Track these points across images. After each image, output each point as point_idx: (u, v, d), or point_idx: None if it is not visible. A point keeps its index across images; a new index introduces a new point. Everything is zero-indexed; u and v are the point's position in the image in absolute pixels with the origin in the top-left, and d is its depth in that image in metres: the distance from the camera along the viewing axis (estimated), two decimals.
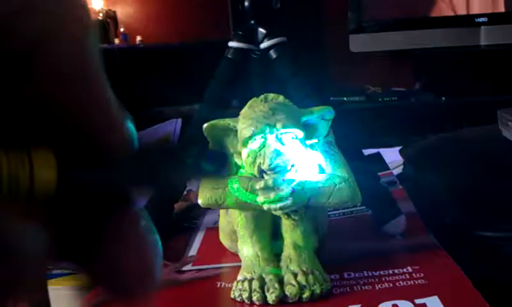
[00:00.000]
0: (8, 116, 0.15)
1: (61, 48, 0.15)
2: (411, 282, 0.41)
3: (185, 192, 0.60)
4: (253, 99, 0.43)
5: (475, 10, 1.67)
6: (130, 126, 0.16)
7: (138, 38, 2.39)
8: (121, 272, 0.16)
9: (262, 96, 0.43)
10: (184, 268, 0.48)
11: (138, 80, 2.00)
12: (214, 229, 0.55)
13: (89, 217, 0.15)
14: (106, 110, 0.16)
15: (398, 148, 0.80)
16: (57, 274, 0.56)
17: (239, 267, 0.44)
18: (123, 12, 2.49)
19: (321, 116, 0.43)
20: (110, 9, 2.50)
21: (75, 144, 0.15)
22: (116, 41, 2.44)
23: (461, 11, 1.68)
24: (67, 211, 0.15)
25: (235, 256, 0.47)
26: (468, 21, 1.66)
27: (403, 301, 0.38)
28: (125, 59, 2.12)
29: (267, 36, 0.51)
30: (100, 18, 2.47)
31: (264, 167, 0.40)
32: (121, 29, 2.46)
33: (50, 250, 0.14)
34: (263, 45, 0.51)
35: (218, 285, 0.44)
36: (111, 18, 2.49)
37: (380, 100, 1.78)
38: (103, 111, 0.16)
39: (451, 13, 1.69)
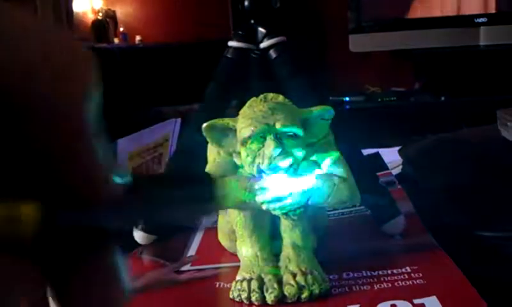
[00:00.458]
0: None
1: (59, 108, 0.16)
2: (410, 282, 0.41)
3: None
4: (252, 99, 0.43)
5: (474, 10, 1.67)
6: (115, 179, 0.18)
7: (138, 38, 2.39)
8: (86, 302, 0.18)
9: (261, 96, 0.43)
10: (183, 269, 0.48)
11: (137, 80, 2.00)
12: (212, 229, 0.55)
13: (65, 257, 0.17)
14: (91, 167, 0.17)
15: (397, 148, 0.80)
16: None
17: (238, 267, 0.44)
18: (122, 12, 2.49)
19: (321, 115, 0.43)
20: (109, 9, 2.51)
21: (58, 192, 0.17)
22: (116, 40, 2.44)
23: (460, 11, 1.68)
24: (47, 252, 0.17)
25: (234, 256, 0.47)
26: (467, 21, 1.65)
27: (402, 301, 0.38)
28: (124, 59, 2.12)
29: (267, 35, 0.51)
30: (99, 17, 2.47)
31: (263, 167, 0.40)
32: (121, 29, 2.46)
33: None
34: (263, 45, 0.51)
35: (217, 285, 0.44)
36: (110, 17, 2.49)
37: (379, 100, 1.78)
38: (87, 169, 0.17)
39: (450, 13, 1.69)
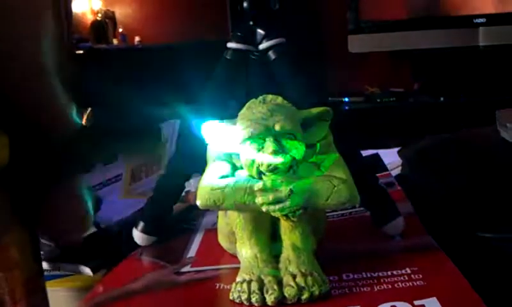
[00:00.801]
0: None
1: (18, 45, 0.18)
2: (410, 283, 0.41)
3: (183, 194, 0.60)
4: (251, 100, 0.43)
5: (473, 11, 1.67)
6: (74, 115, 0.21)
7: (137, 39, 2.39)
8: (59, 222, 0.22)
9: (260, 98, 0.43)
10: (183, 270, 0.48)
11: (137, 81, 2.00)
12: (212, 230, 0.55)
13: (38, 184, 0.21)
14: (52, 104, 0.20)
15: (396, 149, 0.80)
16: (55, 275, 0.56)
17: (238, 268, 0.44)
18: (121, 12, 2.49)
19: (320, 116, 0.43)
20: (109, 10, 2.50)
21: (27, 128, 0.19)
22: (115, 41, 2.44)
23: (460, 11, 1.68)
24: (19, 180, 0.20)
25: (234, 258, 0.47)
26: (466, 22, 1.66)
27: (402, 303, 0.38)
28: (123, 60, 2.12)
29: (266, 37, 0.51)
30: (98, 18, 2.47)
31: (263, 168, 0.40)
32: (120, 30, 2.46)
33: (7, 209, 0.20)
34: (262, 46, 0.51)
35: (217, 287, 0.44)
36: (109, 18, 2.49)
37: (378, 100, 1.78)
38: (50, 105, 0.20)
39: (450, 14, 1.69)
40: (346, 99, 1.78)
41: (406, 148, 0.76)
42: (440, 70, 1.77)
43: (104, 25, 2.43)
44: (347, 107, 1.76)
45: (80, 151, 0.22)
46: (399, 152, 0.77)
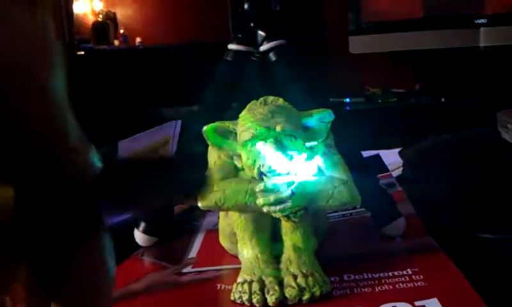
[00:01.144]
0: None
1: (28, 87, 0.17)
2: (411, 284, 0.41)
3: None
4: (252, 102, 0.43)
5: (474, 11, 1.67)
6: (94, 154, 0.18)
7: (138, 40, 2.39)
8: (74, 292, 0.17)
9: (261, 99, 0.43)
10: (184, 270, 0.48)
11: (138, 82, 2.00)
12: (214, 231, 0.55)
13: (52, 242, 0.17)
14: (65, 137, 0.17)
15: (397, 150, 0.80)
16: None
17: (239, 269, 0.44)
18: (123, 14, 2.49)
19: (320, 118, 0.43)
20: (110, 11, 2.51)
21: (39, 174, 0.16)
22: (116, 42, 2.44)
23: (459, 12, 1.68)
24: (28, 236, 0.17)
25: (235, 258, 0.47)
26: (467, 22, 1.66)
27: (403, 303, 0.38)
28: (124, 61, 2.12)
29: (267, 38, 0.51)
30: (100, 19, 2.47)
31: (264, 169, 0.40)
32: (121, 31, 2.46)
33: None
34: (262, 48, 0.51)
35: (218, 287, 0.44)
36: (110, 19, 2.49)
37: (380, 101, 1.78)
38: (62, 138, 0.17)
39: (450, 14, 1.69)
40: (347, 100, 1.78)
41: (406, 149, 0.76)
42: (441, 70, 1.77)
43: (105, 26, 2.44)
44: (348, 108, 1.76)
45: (102, 199, 0.19)
46: (399, 153, 0.77)
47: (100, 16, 2.52)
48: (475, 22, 1.65)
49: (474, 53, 1.65)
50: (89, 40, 2.43)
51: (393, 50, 1.75)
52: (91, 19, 2.53)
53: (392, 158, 0.79)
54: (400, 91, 1.83)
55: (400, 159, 0.76)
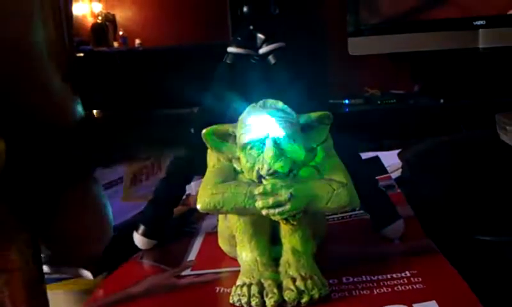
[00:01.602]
0: None
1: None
2: (410, 286, 0.41)
3: (184, 197, 0.60)
4: (251, 105, 0.44)
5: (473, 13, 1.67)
6: (77, 102, 0.19)
7: (137, 41, 2.40)
8: (75, 233, 0.19)
9: (260, 102, 0.43)
10: (183, 273, 0.48)
11: (137, 83, 2.00)
12: (213, 234, 0.55)
13: (44, 190, 0.18)
14: (46, 88, 0.18)
15: (396, 151, 0.80)
16: (56, 278, 0.56)
17: (238, 271, 0.44)
18: (122, 15, 2.50)
19: (319, 121, 0.43)
20: (109, 13, 2.51)
21: (28, 126, 0.18)
22: (115, 44, 2.45)
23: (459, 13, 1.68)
24: (21, 185, 0.18)
25: (234, 261, 0.47)
26: (466, 24, 1.66)
27: (401, 306, 0.38)
28: (124, 62, 2.12)
29: (266, 41, 0.51)
30: (99, 21, 2.47)
31: (263, 172, 0.40)
32: (121, 33, 2.47)
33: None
34: (262, 51, 0.52)
35: (217, 290, 0.44)
36: (110, 21, 2.50)
37: (379, 102, 1.78)
38: (44, 89, 0.18)
39: (449, 16, 1.70)
40: (346, 101, 1.79)
41: (406, 151, 0.76)
42: (440, 72, 1.77)
43: (105, 28, 2.44)
44: (347, 109, 1.76)
45: (90, 145, 0.20)
46: (398, 155, 0.77)
47: (99, 18, 2.52)
48: (474, 23, 1.65)
49: (473, 54, 1.65)
50: (88, 42, 2.43)
51: (392, 52, 1.75)
52: (90, 21, 2.54)
53: (390, 160, 0.79)
54: (399, 92, 1.83)
55: (399, 161, 0.77)
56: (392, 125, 1.61)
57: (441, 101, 1.70)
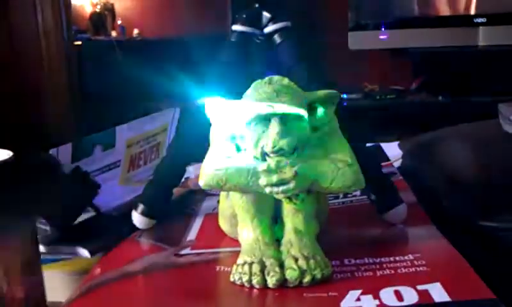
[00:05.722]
0: None
1: None
2: (413, 269, 0.41)
3: (183, 179, 0.59)
4: (257, 81, 0.43)
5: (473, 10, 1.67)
6: None
7: (135, 31, 2.39)
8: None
9: (266, 79, 0.42)
10: (182, 252, 0.48)
11: (135, 73, 1.99)
12: (212, 215, 0.55)
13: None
14: None
15: (396, 143, 0.79)
16: (52, 259, 0.55)
17: (238, 251, 0.43)
18: (120, 4, 2.48)
19: (326, 99, 0.43)
20: (108, 2, 2.50)
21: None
22: (114, 33, 2.43)
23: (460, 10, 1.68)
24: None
25: (234, 241, 0.47)
26: (466, 21, 1.66)
27: (405, 287, 0.38)
28: (122, 52, 2.11)
29: (272, 20, 0.50)
30: (97, 10, 2.46)
31: (267, 149, 0.40)
32: (119, 22, 2.45)
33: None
34: (267, 30, 0.51)
35: (217, 269, 0.44)
36: (108, 10, 2.49)
37: (378, 97, 1.78)
38: None
39: (450, 13, 1.70)
40: (345, 95, 1.78)
41: (407, 140, 0.75)
42: (439, 68, 1.77)
43: (103, 17, 2.43)
44: (345, 104, 1.75)
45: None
46: (399, 144, 0.76)
47: (98, 7, 2.51)
48: (474, 21, 1.65)
49: (473, 52, 1.65)
50: (86, 31, 2.42)
51: (392, 47, 1.75)
52: (88, 10, 2.52)
53: (390, 151, 0.79)
54: (398, 87, 1.83)
55: (399, 152, 0.76)
56: (391, 120, 1.61)
57: (440, 97, 1.70)
